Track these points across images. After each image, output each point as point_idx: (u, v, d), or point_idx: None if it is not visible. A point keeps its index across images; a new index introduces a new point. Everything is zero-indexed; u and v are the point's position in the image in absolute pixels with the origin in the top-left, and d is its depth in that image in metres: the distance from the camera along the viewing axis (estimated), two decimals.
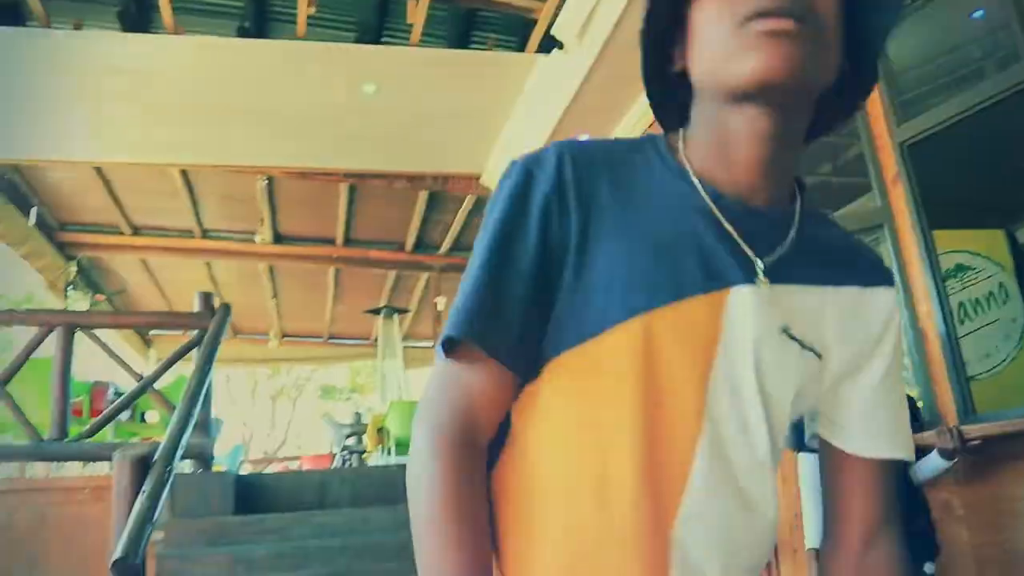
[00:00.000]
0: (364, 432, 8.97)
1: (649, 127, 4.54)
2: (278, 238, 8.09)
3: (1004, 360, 3.84)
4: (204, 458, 4.99)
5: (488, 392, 0.82)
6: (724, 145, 0.84)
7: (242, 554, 4.07)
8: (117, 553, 2.88)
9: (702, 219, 0.83)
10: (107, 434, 5.22)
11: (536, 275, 0.81)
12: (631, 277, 0.80)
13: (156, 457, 3.31)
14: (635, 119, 4.65)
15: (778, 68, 0.75)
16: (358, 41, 4.80)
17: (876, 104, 3.43)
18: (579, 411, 0.81)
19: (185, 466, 4.77)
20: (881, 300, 0.91)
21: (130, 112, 5.15)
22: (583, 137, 0.92)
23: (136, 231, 7.94)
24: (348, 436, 9.06)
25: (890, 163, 3.38)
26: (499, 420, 0.84)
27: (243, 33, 4.76)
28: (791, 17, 0.74)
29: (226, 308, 5.08)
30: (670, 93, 0.90)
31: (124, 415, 5.69)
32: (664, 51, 0.87)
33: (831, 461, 0.94)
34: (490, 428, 0.83)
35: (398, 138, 5.50)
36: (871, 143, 3.45)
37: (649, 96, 0.93)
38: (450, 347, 0.81)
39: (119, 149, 5.70)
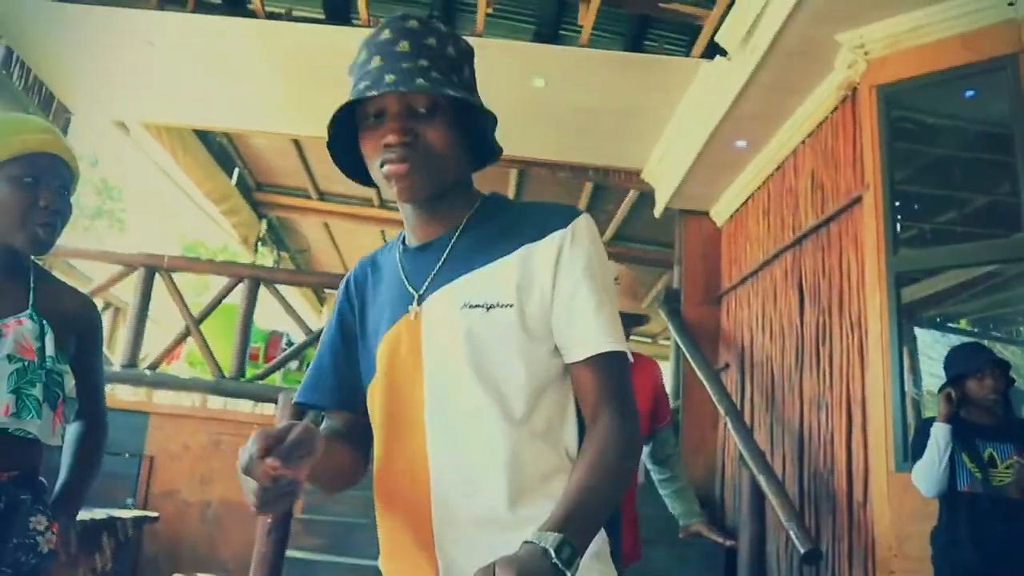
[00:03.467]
0: None
1: (808, 136, 4.54)
2: None
3: None
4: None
5: None
6: (407, 218, 1.26)
7: (371, 498, 4.50)
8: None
9: (396, 275, 1.25)
10: (276, 379, 5.82)
11: None
12: (378, 329, 1.23)
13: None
14: (795, 127, 4.65)
15: (406, 195, 1.16)
16: (535, 37, 5.06)
17: None
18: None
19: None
20: (549, 244, 1.16)
21: (326, 92, 5.68)
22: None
23: (322, 196, 8.62)
24: None
25: None
26: None
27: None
28: (404, 162, 1.12)
29: None
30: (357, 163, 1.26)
31: (292, 364, 6.29)
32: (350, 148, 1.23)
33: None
34: None
35: (563, 130, 5.75)
36: None
37: (348, 174, 1.29)
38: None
39: (315, 124, 6.30)
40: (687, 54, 4.91)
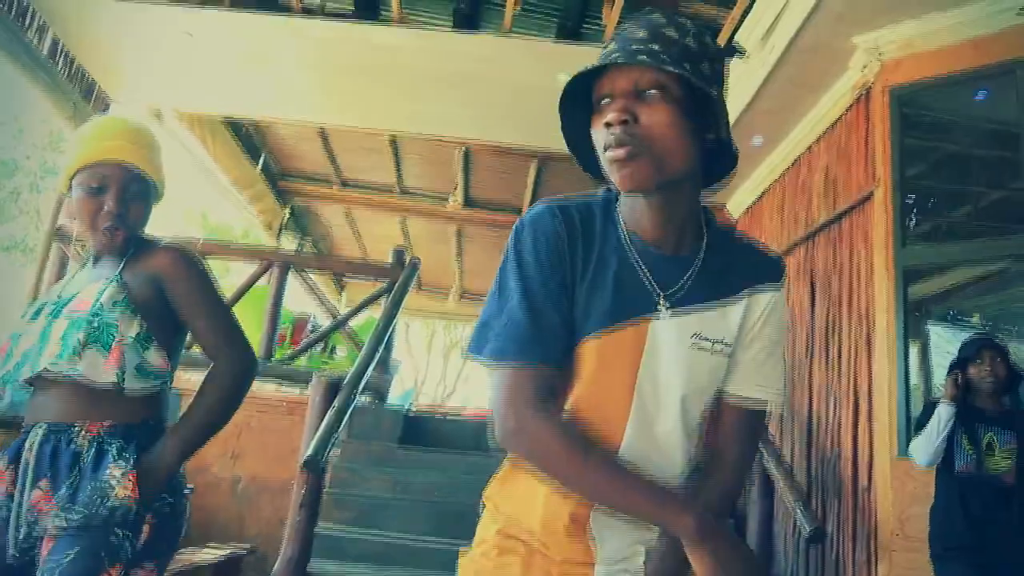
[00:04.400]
0: None
1: (823, 134, 4.68)
2: (468, 202, 8.71)
3: None
4: (381, 393, 5.69)
5: None
6: (637, 213, 1.22)
7: (401, 478, 4.70)
8: (308, 453, 3.52)
9: (630, 267, 1.20)
10: (302, 361, 6.01)
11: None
12: (590, 310, 1.18)
13: (346, 382, 3.94)
14: (810, 124, 4.79)
15: (628, 182, 1.12)
16: (559, 34, 5.21)
17: None
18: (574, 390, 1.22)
19: (363, 399, 5.46)
20: (765, 298, 1.23)
21: (354, 84, 5.88)
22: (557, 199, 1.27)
23: (344, 184, 8.81)
24: None
25: None
26: None
27: (458, 15, 5.29)
28: (623, 146, 1.10)
29: (415, 263, 5.74)
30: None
31: (317, 347, 6.49)
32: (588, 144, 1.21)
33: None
34: None
35: None
36: None
37: (584, 167, 1.26)
38: None
39: (341, 114, 6.51)
40: None
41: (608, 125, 1.11)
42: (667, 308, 1.19)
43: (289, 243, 9.79)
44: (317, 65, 5.66)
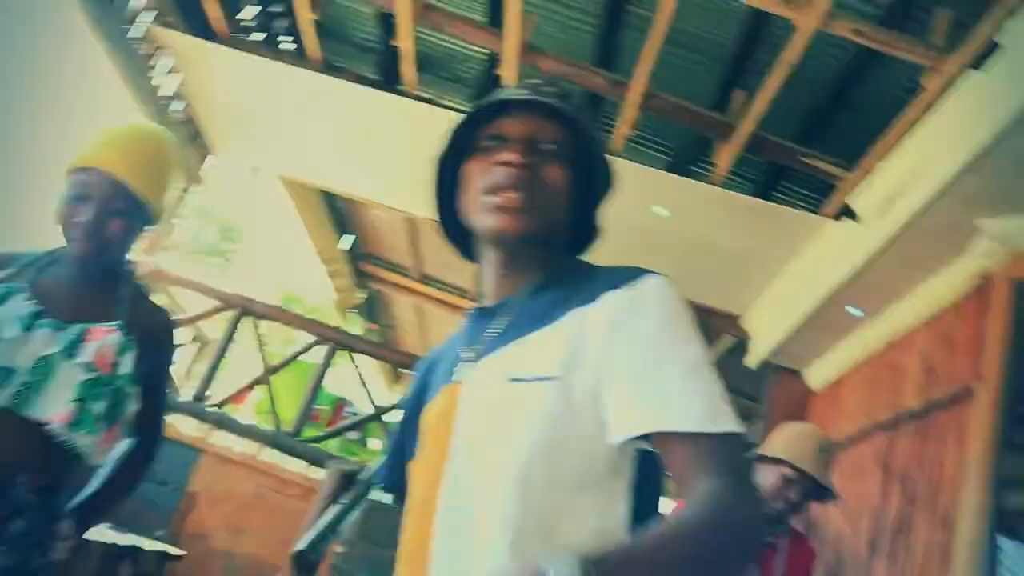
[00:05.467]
0: None
1: (929, 317, 4.29)
2: None
3: None
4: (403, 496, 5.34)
5: None
6: (487, 269, 1.13)
7: None
8: (300, 546, 3.19)
9: (456, 340, 1.14)
10: (332, 445, 5.75)
11: None
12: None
13: (361, 476, 3.63)
14: (915, 305, 4.42)
15: (504, 228, 1.03)
16: (670, 167, 5.06)
17: None
18: None
19: (385, 497, 5.11)
20: (601, 307, 0.97)
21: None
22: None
23: (423, 279, 8.73)
24: None
25: None
26: None
27: None
28: (517, 190, 1.02)
29: None
30: (459, 230, 1.16)
31: (352, 434, 6.22)
32: (451, 196, 1.15)
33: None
34: None
35: (673, 262, 5.64)
36: None
37: (443, 232, 1.21)
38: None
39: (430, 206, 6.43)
40: (815, 210, 4.79)
41: (505, 164, 1.03)
42: (471, 362, 1.06)
43: (355, 327, 9.71)
44: (420, 153, 5.60)
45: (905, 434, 4.16)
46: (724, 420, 0.90)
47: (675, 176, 4.86)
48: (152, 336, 1.83)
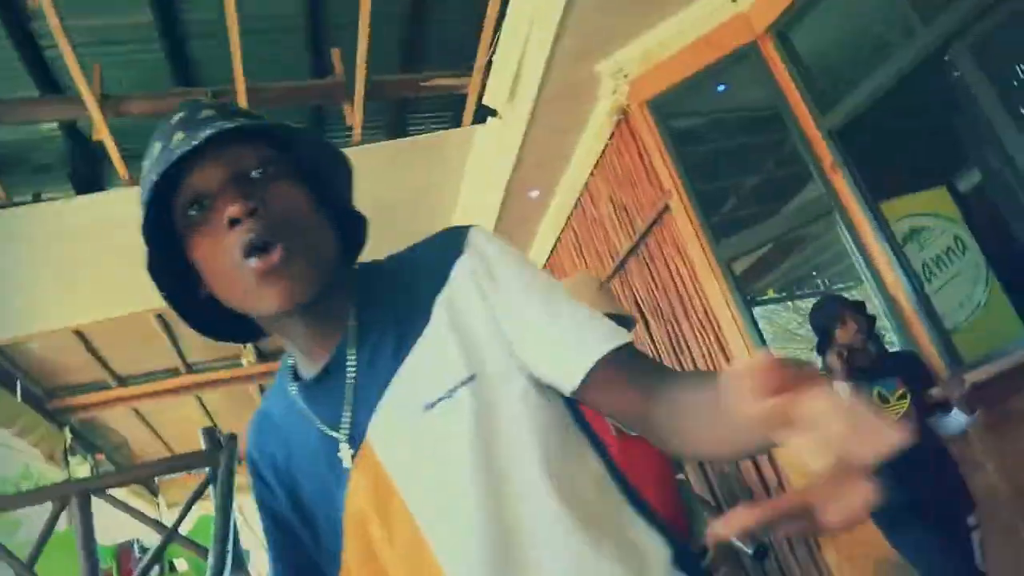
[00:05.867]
0: None
1: (595, 167, 4.71)
2: (262, 356, 8.13)
3: (977, 305, 4.00)
4: None
5: None
6: (295, 343, 0.93)
7: None
8: None
9: (306, 424, 0.92)
10: None
11: None
12: (323, 507, 0.93)
13: None
14: (580, 162, 4.83)
15: (288, 296, 0.83)
16: None
17: (797, 100, 3.63)
18: None
19: None
20: (460, 282, 0.89)
21: (99, 270, 5.25)
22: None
23: (123, 382, 7.94)
24: None
25: (824, 152, 3.56)
26: None
27: None
28: (273, 247, 0.81)
29: (233, 438, 5.12)
30: (210, 312, 0.92)
31: (154, 570, 5.64)
32: (188, 281, 0.90)
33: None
34: None
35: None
36: (802, 137, 3.63)
37: (200, 330, 0.95)
38: None
39: (93, 307, 5.80)
40: (457, 125, 5.00)
41: (233, 223, 0.81)
42: (347, 431, 0.88)
43: (82, 467, 8.66)
44: (49, 261, 5.00)
45: (633, 272, 4.60)
46: (616, 336, 0.87)
47: None
48: None
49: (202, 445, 5.17)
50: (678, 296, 4.14)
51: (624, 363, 0.84)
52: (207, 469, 5.02)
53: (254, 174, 0.85)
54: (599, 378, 0.83)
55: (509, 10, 3.95)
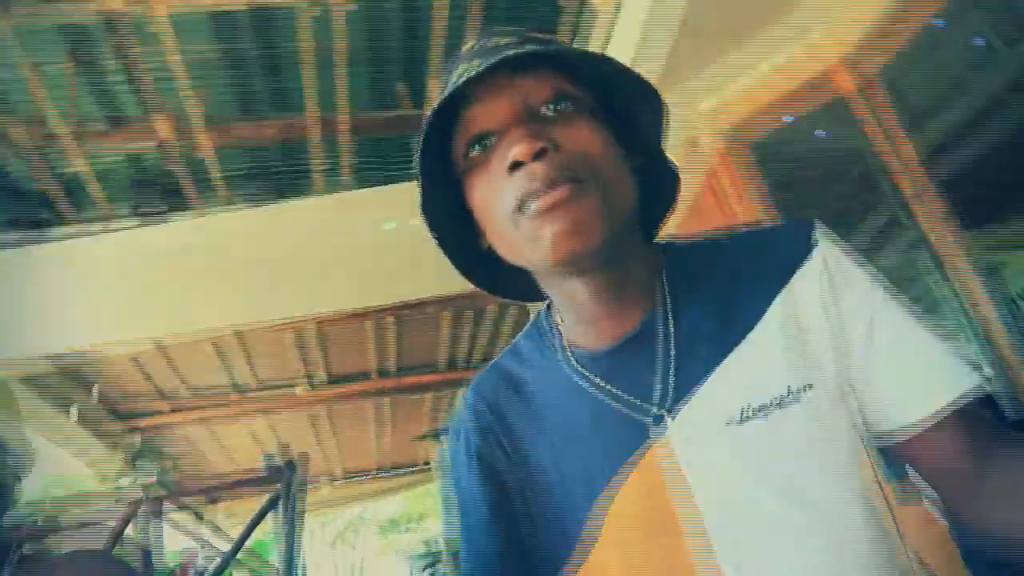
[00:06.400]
0: (440, 559, 8.81)
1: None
2: (314, 384, 8.19)
3: None
4: None
5: None
6: (576, 309, 0.82)
7: None
8: None
9: (585, 397, 0.81)
10: None
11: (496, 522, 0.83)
12: (575, 486, 0.80)
13: None
14: None
15: (571, 242, 0.72)
16: (392, 180, 5.03)
17: (892, 126, 3.56)
18: None
19: None
20: (802, 291, 0.79)
21: (166, 291, 5.36)
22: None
23: (186, 401, 8.05)
24: (425, 568, 8.85)
25: (910, 183, 3.49)
26: None
27: (258, 197, 5.00)
28: (562, 183, 0.71)
29: (294, 464, 5.15)
30: (492, 267, 0.86)
31: None
32: (464, 230, 0.84)
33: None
34: None
35: (423, 265, 5.64)
36: (887, 167, 3.56)
37: (474, 281, 0.89)
38: None
39: (162, 328, 5.91)
40: None
41: (516, 167, 0.72)
42: (661, 420, 0.77)
43: (143, 481, 8.77)
44: (130, 281, 5.11)
45: None
46: (976, 372, 0.75)
47: (395, 186, 4.86)
48: None
49: (263, 467, 5.22)
50: None
51: (974, 420, 0.73)
52: (269, 491, 5.05)
53: (546, 111, 0.75)
54: (940, 429, 0.74)
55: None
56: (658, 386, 0.78)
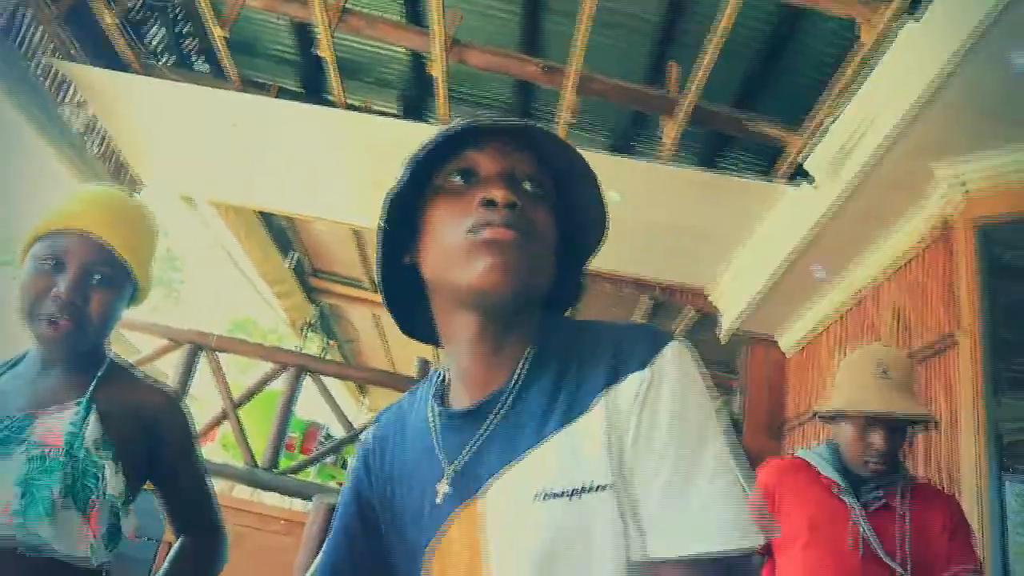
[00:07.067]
0: None
1: (895, 270, 4.28)
2: None
3: None
4: None
5: None
6: (456, 355, 0.91)
7: None
8: None
9: (431, 450, 0.92)
10: (310, 473, 5.58)
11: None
12: (413, 535, 0.91)
13: None
14: (880, 258, 4.41)
15: (496, 277, 0.82)
16: (612, 149, 4.98)
17: None
18: None
19: None
20: (625, 395, 0.83)
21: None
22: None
23: (376, 288, 8.54)
24: None
25: None
26: None
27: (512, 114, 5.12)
28: (511, 229, 0.83)
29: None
30: (402, 289, 0.96)
31: (330, 458, 6.05)
32: (398, 245, 0.95)
33: None
34: None
35: (632, 245, 5.58)
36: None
37: (387, 297, 0.98)
38: None
39: (375, 215, 6.26)
40: (765, 175, 4.76)
41: (488, 204, 0.84)
42: (477, 486, 0.85)
43: (314, 345, 9.49)
44: (356, 164, 5.45)
45: None
46: (752, 533, 0.77)
47: (622, 158, 4.78)
48: (143, 419, 1.53)
49: (415, 374, 5.47)
50: (926, 439, 3.67)
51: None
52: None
53: (526, 184, 0.89)
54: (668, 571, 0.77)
55: (865, 86, 3.65)
56: (464, 455, 0.88)
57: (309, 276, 8.58)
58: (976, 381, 3.34)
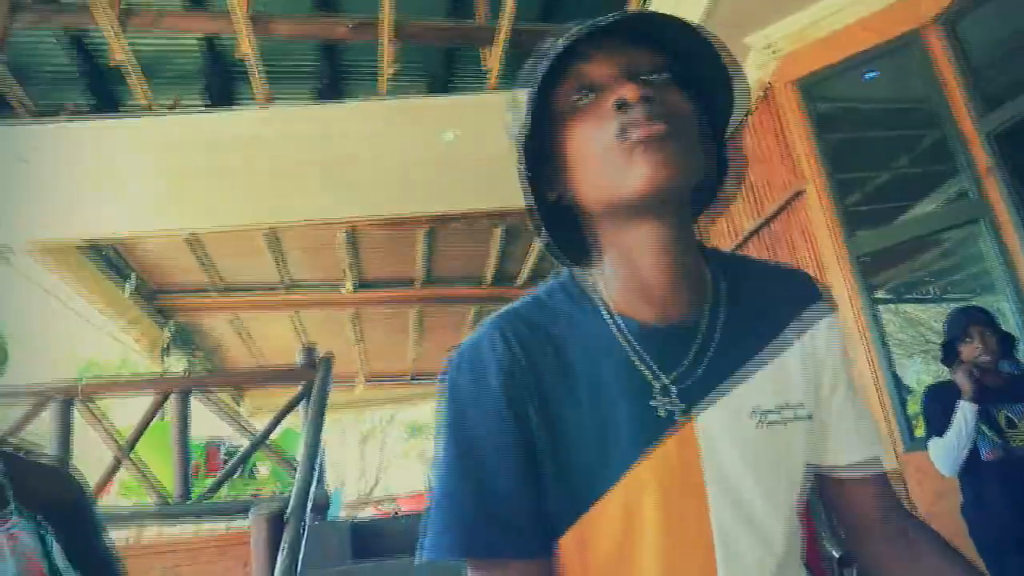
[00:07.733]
0: None
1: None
2: (360, 284, 8.29)
3: None
4: (321, 508, 5.16)
5: None
6: (635, 270, 0.85)
7: None
8: None
9: (625, 362, 0.85)
10: (223, 491, 5.41)
11: (516, 461, 0.84)
12: (598, 448, 0.83)
13: (289, 512, 3.45)
14: None
15: (663, 172, 0.77)
16: (430, 91, 4.95)
17: (957, 97, 3.42)
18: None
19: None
20: (822, 325, 0.92)
21: (218, 183, 5.41)
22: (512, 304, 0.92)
23: (225, 290, 8.22)
24: None
25: (980, 154, 3.36)
26: None
27: (319, 93, 4.97)
28: (661, 121, 0.78)
29: (329, 360, 5.26)
30: (555, 225, 0.88)
31: (238, 471, 5.88)
32: (539, 183, 0.87)
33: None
34: None
35: (478, 180, 5.62)
36: (957, 137, 3.43)
37: (541, 233, 0.88)
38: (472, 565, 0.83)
39: (206, 216, 5.99)
40: None
41: (621, 107, 0.78)
42: (691, 404, 0.84)
43: (177, 364, 9.06)
44: (173, 168, 5.17)
45: (752, 252, 4.46)
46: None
47: (450, 97, 4.79)
48: (52, 508, 1.44)
49: (298, 362, 5.35)
50: None
51: (887, 483, 0.95)
52: (300, 385, 5.20)
53: (651, 75, 0.82)
54: (863, 478, 0.94)
55: None
56: (694, 374, 0.85)
57: (153, 297, 8.13)
58: (831, 224, 3.66)
